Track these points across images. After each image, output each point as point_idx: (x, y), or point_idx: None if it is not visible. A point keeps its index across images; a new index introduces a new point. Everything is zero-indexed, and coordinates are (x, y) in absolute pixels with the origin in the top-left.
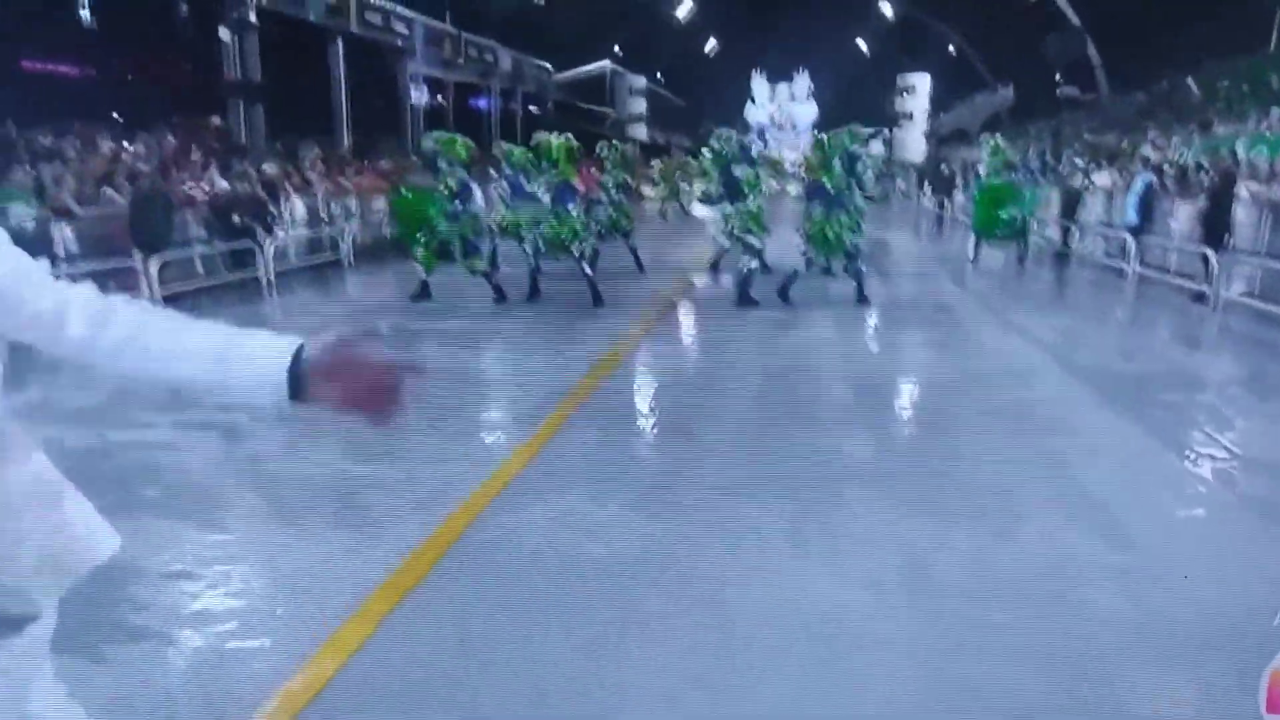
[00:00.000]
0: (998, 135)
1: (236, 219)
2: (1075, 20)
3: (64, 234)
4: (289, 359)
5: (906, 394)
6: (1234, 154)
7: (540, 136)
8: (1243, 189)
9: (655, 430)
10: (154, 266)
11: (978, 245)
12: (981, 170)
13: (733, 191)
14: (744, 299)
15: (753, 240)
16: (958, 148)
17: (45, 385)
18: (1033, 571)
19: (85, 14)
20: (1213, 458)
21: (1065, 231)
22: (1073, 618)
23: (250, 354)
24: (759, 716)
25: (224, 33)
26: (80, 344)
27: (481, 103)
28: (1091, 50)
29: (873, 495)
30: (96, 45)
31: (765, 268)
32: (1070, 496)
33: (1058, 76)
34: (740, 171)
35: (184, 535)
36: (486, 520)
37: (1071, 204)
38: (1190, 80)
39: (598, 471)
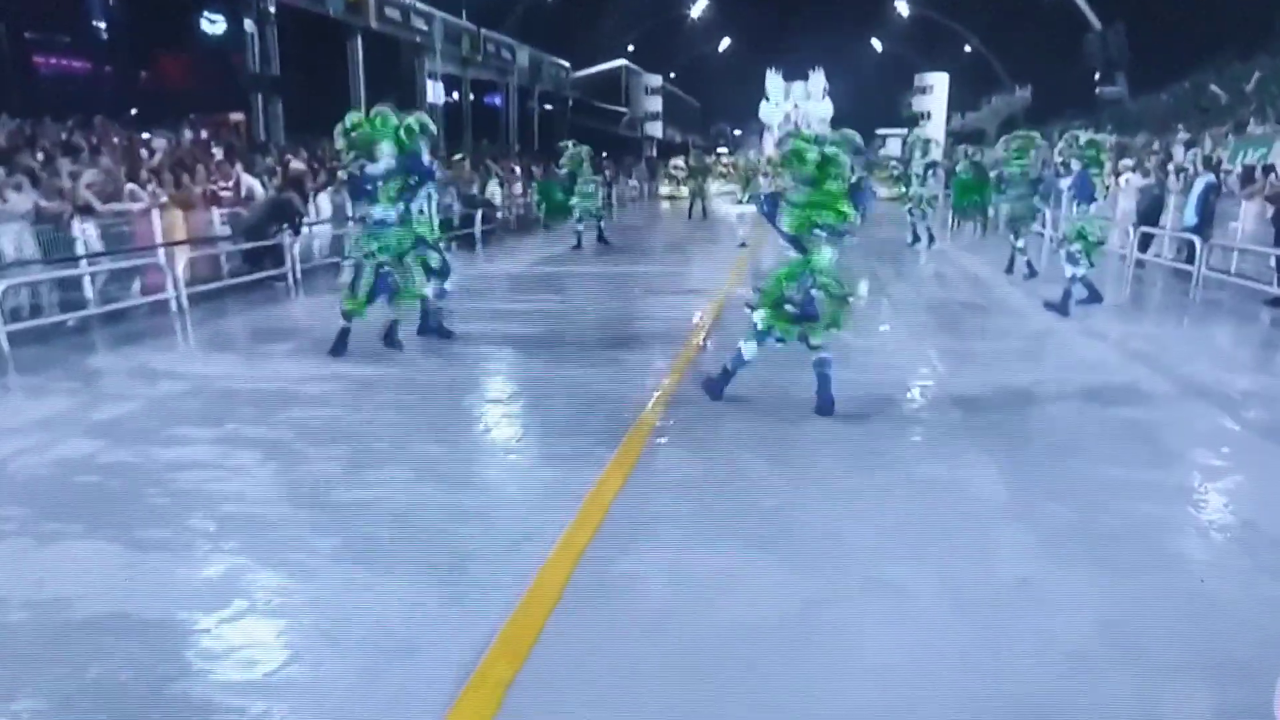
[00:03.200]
0: (966, 146)
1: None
2: (1096, 22)
3: (85, 231)
4: None
5: (1019, 413)
6: None
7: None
8: None
9: (765, 455)
10: (180, 264)
11: (955, 218)
12: (959, 169)
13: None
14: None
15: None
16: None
17: (71, 394)
18: (1235, 634)
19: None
20: None
21: (1146, 239)
22: None
23: None
24: None
25: (248, 26)
26: None
27: (498, 100)
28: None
29: (1019, 537)
30: (112, 40)
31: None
32: (1245, 534)
33: (1096, 76)
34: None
35: (244, 580)
36: (593, 563)
37: (1154, 210)
38: (1214, 85)
39: (704, 505)
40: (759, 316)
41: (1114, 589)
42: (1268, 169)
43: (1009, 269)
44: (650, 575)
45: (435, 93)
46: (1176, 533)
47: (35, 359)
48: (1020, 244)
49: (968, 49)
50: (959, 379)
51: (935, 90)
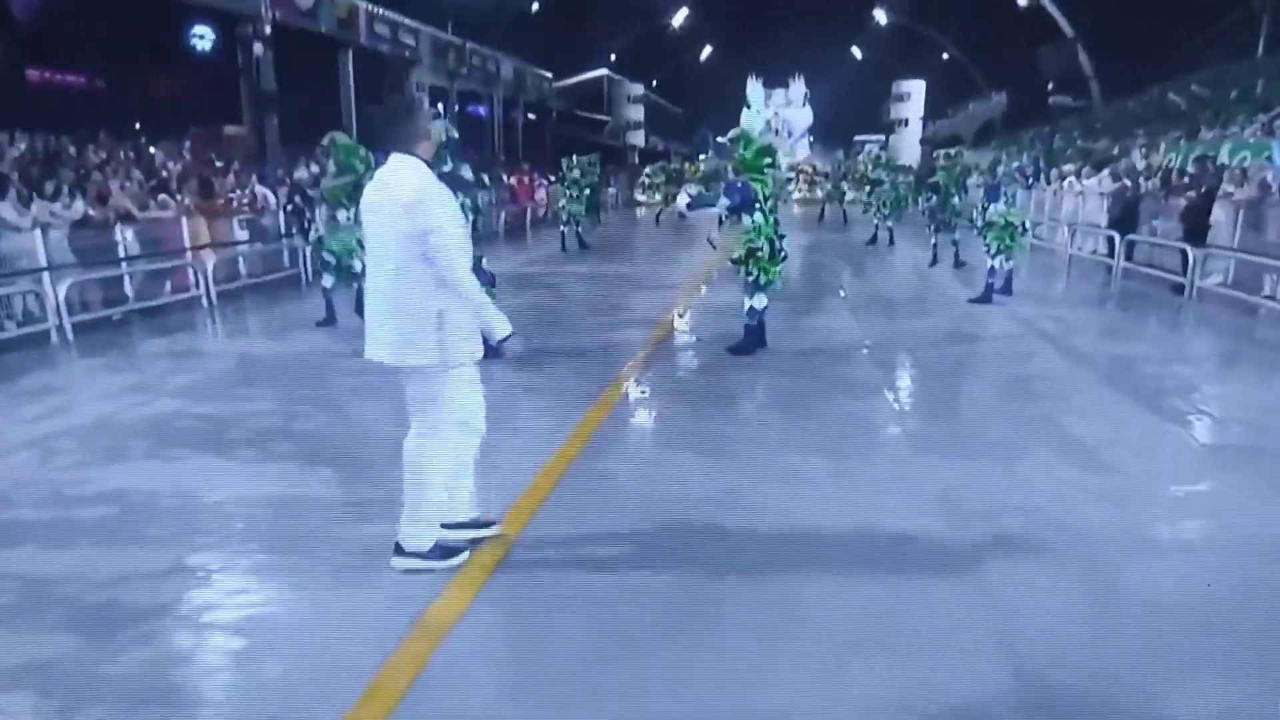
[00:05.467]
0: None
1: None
2: (1069, 30)
3: (125, 236)
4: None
5: (922, 366)
6: (1211, 159)
7: None
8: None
9: (715, 400)
10: (209, 265)
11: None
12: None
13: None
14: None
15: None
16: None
17: (141, 370)
18: (1033, 492)
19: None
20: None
21: (1111, 242)
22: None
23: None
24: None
25: (239, 45)
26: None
27: (483, 110)
28: (1084, 59)
29: (897, 443)
30: (106, 55)
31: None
32: (1062, 442)
33: (1050, 86)
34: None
35: (324, 476)
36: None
37: (1129, 216)
38: (1171, 93)
39: (665, 429)
40: (755, 269)
41: (952, 470)
42: (1182, 172)
43: (933, 263)
44: (621, 469)
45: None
46: (1016, 441)
47: (94, 345)
48: (956, 237)
49: (945, 56)
50: (880, 342)
51: (913, 97)
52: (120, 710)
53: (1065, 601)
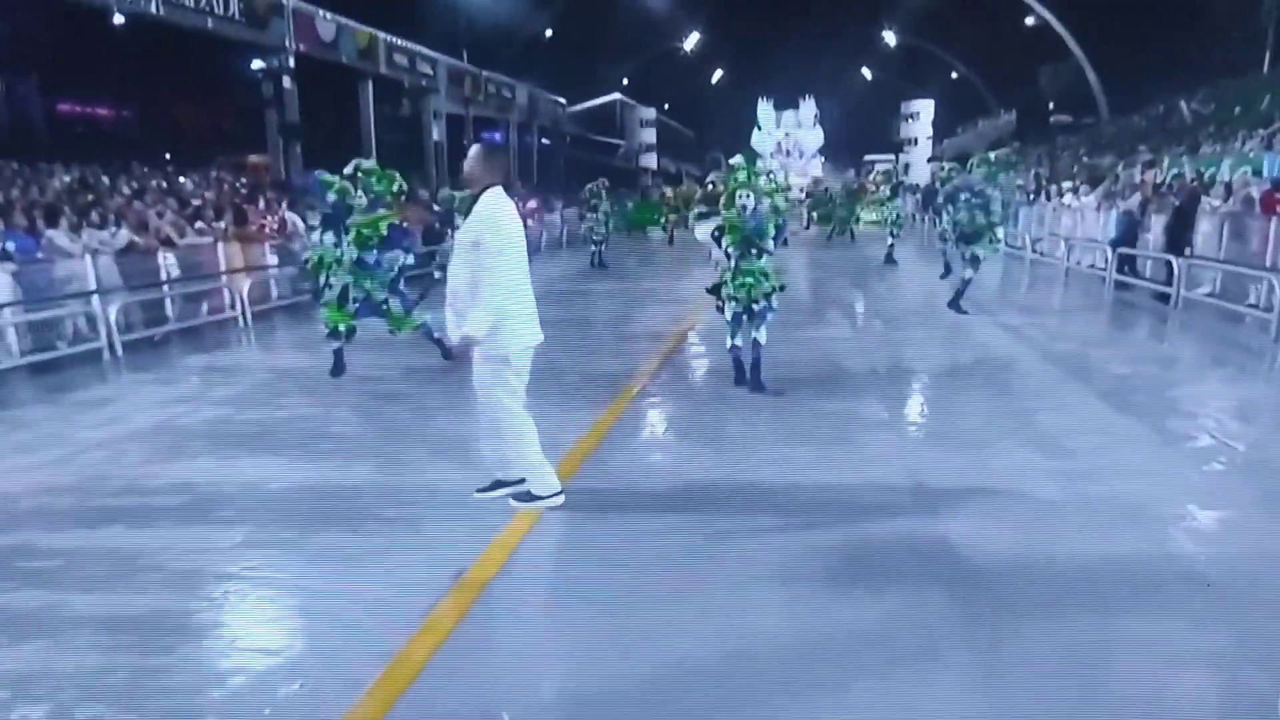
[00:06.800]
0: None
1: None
2: (1075, 48)
3: (166, 261)
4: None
5: (909, 371)
6: (1200, 174)
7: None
8: (1206, 205)
9: (717, 403)
10: (244, 287)
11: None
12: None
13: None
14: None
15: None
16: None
17: (187, 383)
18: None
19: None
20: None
21: (1124, 260)
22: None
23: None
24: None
25: (264, 76)
26: None
27: (498, 136)
28: (1091, 76)
29: (881, 434)
30: (140, 89)
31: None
32: (1028, 433)
33: (1050, 105)
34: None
35: (368, 467)
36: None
37: (1130, 234)
38: (1183, 104)
39: (672, 426)
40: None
41: (915, 453)
42: (1170, 186)
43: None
44: (634, 462)
45: (440, 132)
46: (986, 431)
47: (142, 362)
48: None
49: (954, 75)
50: (873, 349)
51: (922, 117)
52: (213, 648)
53: (987, 527)
